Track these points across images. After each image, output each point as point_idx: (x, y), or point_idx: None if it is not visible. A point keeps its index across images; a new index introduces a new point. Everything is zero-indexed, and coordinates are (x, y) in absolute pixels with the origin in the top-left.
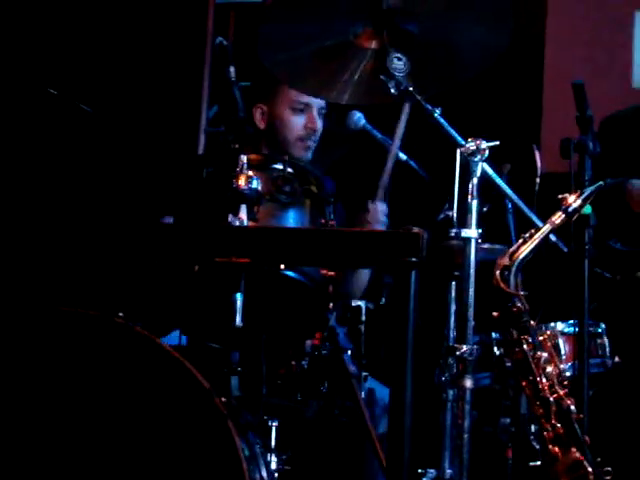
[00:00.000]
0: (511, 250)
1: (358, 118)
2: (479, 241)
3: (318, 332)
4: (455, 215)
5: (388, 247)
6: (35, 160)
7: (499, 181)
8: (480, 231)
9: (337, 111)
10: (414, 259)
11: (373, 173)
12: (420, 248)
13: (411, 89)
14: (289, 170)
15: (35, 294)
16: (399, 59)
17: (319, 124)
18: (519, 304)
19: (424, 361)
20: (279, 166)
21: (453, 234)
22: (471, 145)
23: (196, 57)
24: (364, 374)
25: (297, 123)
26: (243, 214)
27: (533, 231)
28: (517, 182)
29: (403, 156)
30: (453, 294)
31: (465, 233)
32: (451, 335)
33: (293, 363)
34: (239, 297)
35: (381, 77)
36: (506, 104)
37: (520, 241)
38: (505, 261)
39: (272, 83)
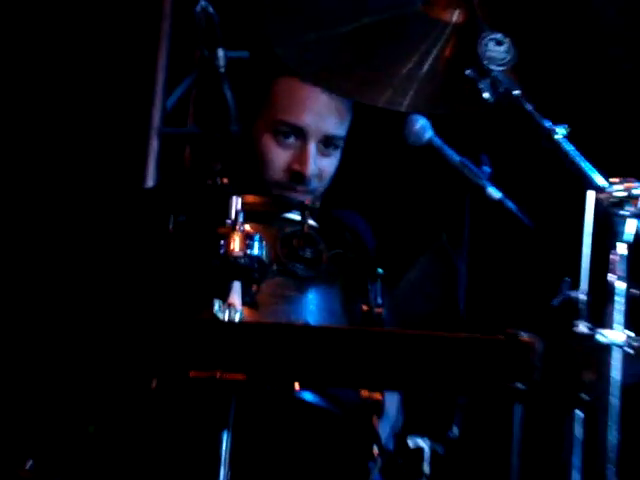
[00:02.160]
0: None
1: (422, 127)
2: (629, 349)
3: None
4: (584, 300)
5: (475, 364)
6: None
7: None
8: (631, 334)
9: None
10: (521, 386)
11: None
12: (532, 368)
13: (517, 93)
14: (311, 222)
15: None
16: (499, 43)
17: (311, 167)
18: None
19: None
20: (295, 215)
21: (581, 332)
22: (617, 189)
23: (145, 24)
24: None
25: (278, 159)
26: (235, 297)
27: None
28: None
29: (496, 193)
30: (579, 433)
31: (604, 336)
32: None
33: None
34: (226, 437)
35: (467, 72)
36: None
37: None
38: None
39: (264, 79)
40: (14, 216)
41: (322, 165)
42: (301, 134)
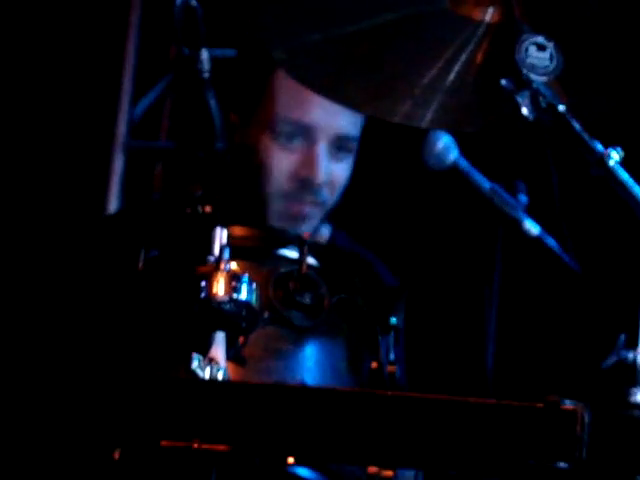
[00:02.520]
0: None
1: (445, 147)
2: None
3: None
4: None
5: (508, 437)
6: None
7: None
8: None
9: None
10: (564, 465)
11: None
12: (577, 443)
13: (562, 108)
14: (311, 261)
15: None
16: (541, 48)
17: (322, 173)
18: None
19: None
20: (291, 252)
21: (637, 402)
22: None
23: (110, 16)
24: None
25: (281, 164)
26: (218, 351)
27: None
28: None
29: (535, 227)
30: None
31: None
32: None
33: None
34: None
35: (502, 83)
36: None
37: None
38: None
39: (259, 72)
40: None
41: (334, 171)
42: (308, 134)
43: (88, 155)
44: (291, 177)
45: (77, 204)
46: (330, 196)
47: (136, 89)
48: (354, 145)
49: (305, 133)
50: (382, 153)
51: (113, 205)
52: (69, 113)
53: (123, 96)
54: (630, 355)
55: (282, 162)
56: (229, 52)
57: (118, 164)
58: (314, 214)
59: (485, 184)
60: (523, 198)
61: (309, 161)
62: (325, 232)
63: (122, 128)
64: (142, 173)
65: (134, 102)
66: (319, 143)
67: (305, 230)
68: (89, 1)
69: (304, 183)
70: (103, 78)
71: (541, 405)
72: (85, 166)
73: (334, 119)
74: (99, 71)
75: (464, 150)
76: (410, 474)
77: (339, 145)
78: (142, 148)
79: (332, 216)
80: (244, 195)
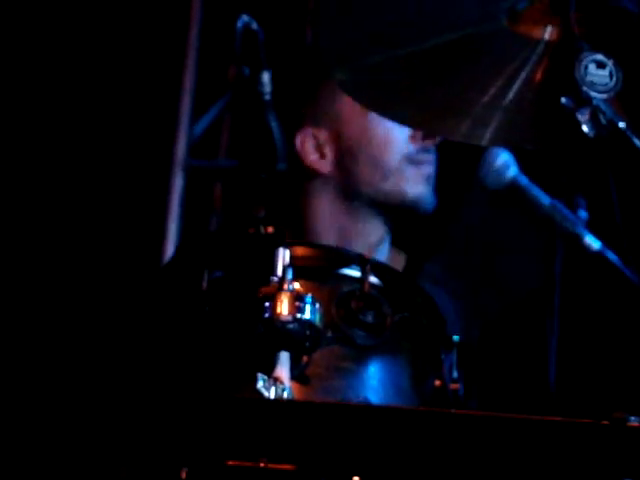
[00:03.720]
0: None
1: (504, 164)
2: None
3: None
4: None
5: (574, 455)
6: None
7: None
8: None
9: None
10: None
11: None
12: None
13: (623, 125)
14: (373, 280)
15: None
16: (601, 66)
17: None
18: None
19: None
20: (353, 271)
21: None
22: None
23: (168, 35)
24: None
25: (397, 134)
26: (283, 370)
27: None
28: None
29: (596, 243)
30: None
31: None
32: None
33: None
34: None
35: (562, 101)
36: None
37: None
38: None
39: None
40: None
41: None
42: None
43: (148, 174)
44: (412, 140)
45: (138, 223)
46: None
47: (195, 108)
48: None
49: None
50: (442, 172)
51: (173, 223)
52: (128, 131)
53: (182, 115)
54: None
55: (394, 129)
56: None
57: (178, 183)
58: (432, 176)
59: (545, 200)
60: (583, 214)
61: None
62: (401, 253)
63: (181, 147)
64: (201, 192)
65: (193, 121)
66: None
67: (430, 197)
68: (148, 19)
69: (427, 143)
70: (162, 97)
71: (607, 422)
72: (145, 185)
73: None
74: (158, 90)
75: (523, 166)
76: None
77: None
78: (202, 167)
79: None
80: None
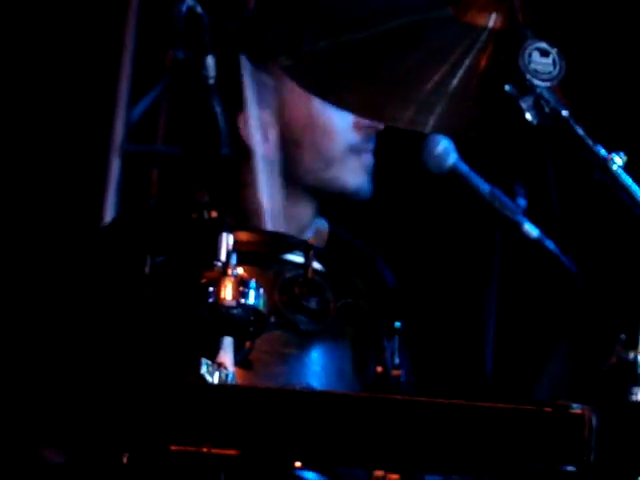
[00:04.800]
0: None
1: (445, 150)
2: None
3: None
4: None
5: (516, 441)
6: None
7: None
8: None
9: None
10: (572, 468)
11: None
12: (586, 447)
13: (566, 113)
14: (316, 266)
15: None
16: (544, 54)
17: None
18: None
19: None
20: (296, 257)
21: None
22: None
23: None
24: None
25: (341, 123)
26: (226, 356)
27: None
28: None
29: (534, 230)
30: None
31: None
32: None
33: None
34: None
35: (506, 88)
36: None
37: None
38: None
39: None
40: None
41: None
42: None
43: (84, 159)
44: (356, 129)
45: (74, 207)
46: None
47: (132, 93)
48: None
49: None
50: (382, 155)
51: (110, 209)
52: (65, 116)
53: (120, 100)
54: (631, 355)
55: (338, 117)
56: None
57: (115, 168)
58: (370, 166)
59: (484, 187)
60: (522, 201)
61: None
62: (324, 225)
63: (119, 132)
64: (139, 178)
65: (131, 106)
66: None
67: (366, 188)
68: (86, 3)
69: (369, 132)
70: (100, 81)
71: (550, 409)
72: (81, 169)
73: None
74: (95, 74)
75: (463, 153)
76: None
77: None
78: (140, 152)
79: (330, 214)
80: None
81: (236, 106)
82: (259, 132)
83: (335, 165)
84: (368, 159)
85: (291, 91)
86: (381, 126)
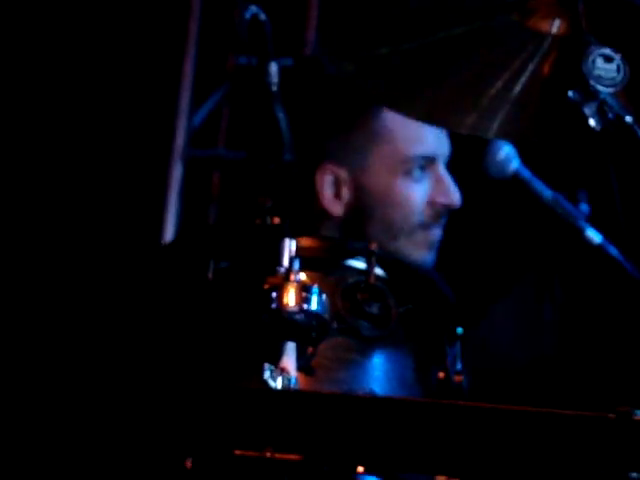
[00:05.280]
0: None
1: (507, 157)
2: None
3: None
4: None
5: (579, 449)
6: None
7: None
8: None
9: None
10: (637, 475)
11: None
12: None
13: (630, 119)
14: (378, 272)
15: None
16: (608, 60)
17: (457, 195)
18: None
19: None
20: (359, 263)
21: None
22: None
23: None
24: None
25: (416, 197)
26: (289, 361)
27: None
28: None
29: (597, 236)
30: None
31: None
32: None
33: None
34: None
35: (569, 94)
36: None
37: None
38: None
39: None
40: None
41: (457, 197)
42: (431, 163)
43: (147, 164)
44: (429, 206)
45: (136, 212)
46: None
47: (194, 98)
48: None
49: (429, 163)
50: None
51: (172, 213)
52: (128, 121)
53: (182, 105)
54: None
55: (417, 194)
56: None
57: (177, 173)
58: (439, 239)
59: (547, 193)
60: (584, 207)
61: (442, 187)
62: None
63: (181, 137)
64: (200, 182)
65: (192, 111)
66: (440, 168)
67: (430, 260)
68: (149, 9)
69: (442, 210)
70: (162, 87)
71: (613, 416)
72: (144, 174)
73: (446, 142)
74: (158, 80)
75: (525, 159)
76: None
77: (446, 164)
78: (201, 157)
79: None
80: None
81: (314, 157)
82: (333, 185)
83: (401, 239)
84: (437, 234)
85: (376, 156)
86: (457, 204)
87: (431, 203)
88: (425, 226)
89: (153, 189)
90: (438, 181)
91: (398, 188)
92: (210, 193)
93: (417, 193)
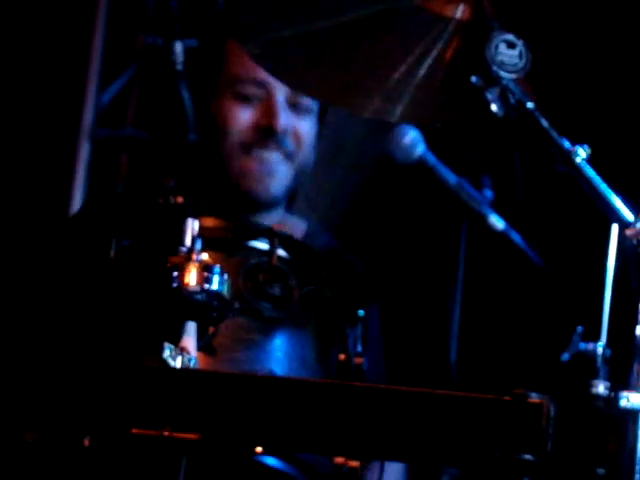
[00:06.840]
0: None
1: (413, 141)
2: None
3: None
4: (602, 355)
5: (475, 429)
6: None
7: None
8: None
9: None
10: (530, 457)
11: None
12: (543, 436)
13: (531, 106)
14: (281, 253)
15: None
16: (511, 46)
17: (281, 120)
18: None
19: None
20: (262, 244)
21: (599, 394)
22: None
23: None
24: None
25: (241, 116)
26: (189, 341)
27: None
28: None
29: (500, 222)
30: None
31: (628, 400)
32: None
33: None
34: None
35: (472, 79)
36: None
37: None
38: None
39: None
40: None
41: (295, 123)
42: (265, 90)
43: (54, 142)
44: (252, 127)
45: (43, 190)
46: (296, 148)
47: (103, 77)
48: (313, 106)
49: (263, 89)
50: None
51: (78, 191)
52: (35, 101)
53: (90, 84)
54: (590, 347)
55: (242, 116)
56: (190, 42)
57: (84, 152)
58: (282, 169)
59: (451, 178)
60: (489, 193)
61: (267, 110)
62: (301, 226)
63: (88, 116)
64: (107, 162)
65: (100, 90)
66: (276, 96)
67: (263, 191)
68: None
69: (265, 132)
70: (70, 65)
71: (508, 398)
72: (50, 154)
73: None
74: (65, 59)
75: (431, 144)
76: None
77: (295, 101)
78: (109, 137)
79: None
80: (216, 186)
81: (210, 91)
82: None
83: (228, 161)
84: (266, 159)
85: (219, 83)
86: (279, 127)
87: (255, 124)
88: (248, 148)
89: (60, 168)
90: (267, 106)
91: (225, 111)
92: (117, 173)
93: (240, 114)
